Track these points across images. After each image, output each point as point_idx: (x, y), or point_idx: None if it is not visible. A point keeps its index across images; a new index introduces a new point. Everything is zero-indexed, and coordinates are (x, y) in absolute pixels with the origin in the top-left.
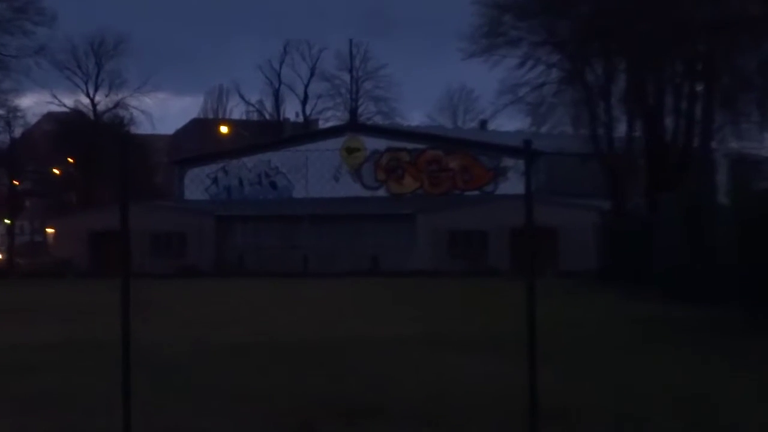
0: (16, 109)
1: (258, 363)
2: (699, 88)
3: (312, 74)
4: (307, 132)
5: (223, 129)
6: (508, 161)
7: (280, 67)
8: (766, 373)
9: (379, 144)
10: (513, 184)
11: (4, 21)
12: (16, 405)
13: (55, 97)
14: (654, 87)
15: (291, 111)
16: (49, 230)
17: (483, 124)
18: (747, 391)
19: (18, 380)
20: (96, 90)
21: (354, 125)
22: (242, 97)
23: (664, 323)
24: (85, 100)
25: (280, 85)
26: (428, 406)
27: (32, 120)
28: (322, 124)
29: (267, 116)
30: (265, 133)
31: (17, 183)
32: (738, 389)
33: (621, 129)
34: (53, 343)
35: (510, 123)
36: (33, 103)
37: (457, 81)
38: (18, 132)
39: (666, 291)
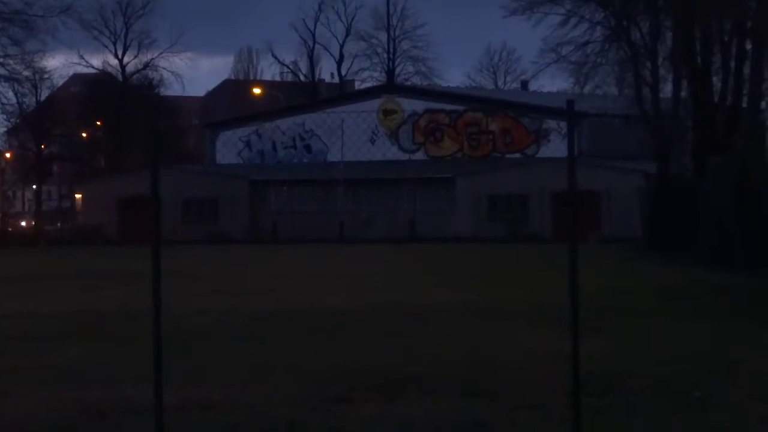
0: (42, 70)
1: (292, 332)
2: (748, 45)
3: (348, 33)
4: (342, 93)
5: (256, 90)
6: (550, 123)
7: (315, 26)
8: None
9: (417, 105)
10: (555, 147)
11: None
12: (44, 376)
13: (82, 57)
14: (701, 45)
15: (326, 72)
16: (77, 196)
17: (524, 84)
18: None
19: (46, 351)
20: (124, 50)
21: (391, 86)
22: (275, 57)
23: (714, 291)
24: (113, 61)
25: (314, 45)
26: (467, 376)
27: (59, 82)
28: (358, 86)
29: (301, 77)
30: (300, 95)
31: (44, 147)
32: None
33: (667, 89)
34: (81, 311)
35: (552, 83)
36: (60, 65)
37: (497, 40)
38: (44, 94)
39: (714, 258)
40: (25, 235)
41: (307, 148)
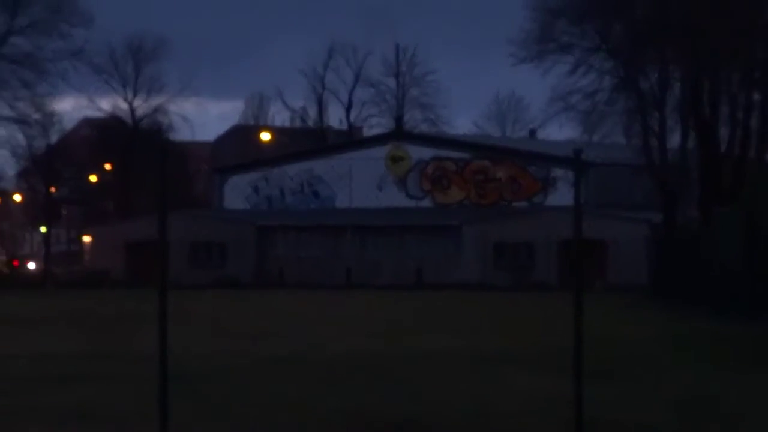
0: (52, 113)
1: (297, 375)
2: (756, 97)
3: (357, 80)
4: (351, 140)
5: (265, 136)
6: (557, 171)
7: (324, 72)
8: None
9: (425, 153)
10: (562, 195)
11: (40, 22)
12: (52, 416)
13: (92, 101)
14: (709, 96)
15: (335, 118)
16: (86, 239)
17: (532, 133)
18: None
19: (53, 391)
20: (134, 94)
21: (399, 133)
22: (285, 102)
23: (721, 341)
24: (124, 105)
25: (323, 91)
26: (467, 421)
27: (69, 125)
28: (367, 132)
29: (310, 123)
30: (308, 141)
31: (53, 190)
32: None
33: (674, 140)
34: (88, 353)
35: (560, 132)
36: (70, 108)
37: (506, 88)
38: (54, 137)
39: (721, 308)
40: (34, 278)
41: (315, 194)
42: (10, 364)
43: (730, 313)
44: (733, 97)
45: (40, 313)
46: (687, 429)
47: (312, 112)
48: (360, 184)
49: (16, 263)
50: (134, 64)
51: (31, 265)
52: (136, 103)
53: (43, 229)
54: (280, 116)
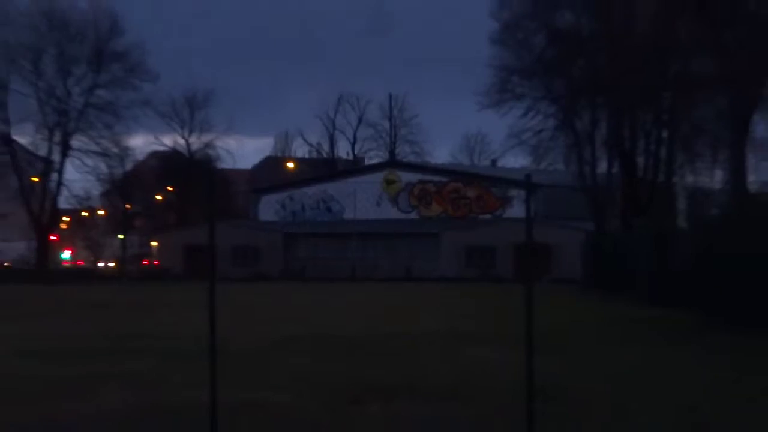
0: (127, 148)
1: (315, 352)
2: (664, 134)
3: (360, 122)
4: (355, 167)
5: (290, 165)
6: (513, 191)
7: (335, 116)
8: (712, 358)
9: (412, 177)
10: (517, 210)
11: (118, 79)
12: (122, 382)
13: (157, 138)
14: (629, 133)
15: (343, 150)
16: (153, 244)
17: (494, 162)
18: (696, 375)
19: (122, 363)
20: (190, 133)
21: (392, 162)
22: (304, 139)
23: (642, 318)
24: (181, 141)
25: (334, 131)
26: (450, 386)
27: (140, 157)
28: (368, 161)
29: (324, 155)
30: (323, 168)
31: (128, 206)
32: (687, 373)
33: (602, 166)
34: (153, 333)
35: (515, 161)
36: (141, 143)
37: (474, 127)
38: (129, 166)
39: (638, 296)
40: (113, 273)
41: (328, 209)
42: (90, 339)
43: (644, 301)
44: (647, 133)
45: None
46: (619, 390)
47: (325, 147)
48: (362, 201)
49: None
50: (189, 110)
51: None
52: (191, 140)
53: (120, 236)
54: (301, 149)
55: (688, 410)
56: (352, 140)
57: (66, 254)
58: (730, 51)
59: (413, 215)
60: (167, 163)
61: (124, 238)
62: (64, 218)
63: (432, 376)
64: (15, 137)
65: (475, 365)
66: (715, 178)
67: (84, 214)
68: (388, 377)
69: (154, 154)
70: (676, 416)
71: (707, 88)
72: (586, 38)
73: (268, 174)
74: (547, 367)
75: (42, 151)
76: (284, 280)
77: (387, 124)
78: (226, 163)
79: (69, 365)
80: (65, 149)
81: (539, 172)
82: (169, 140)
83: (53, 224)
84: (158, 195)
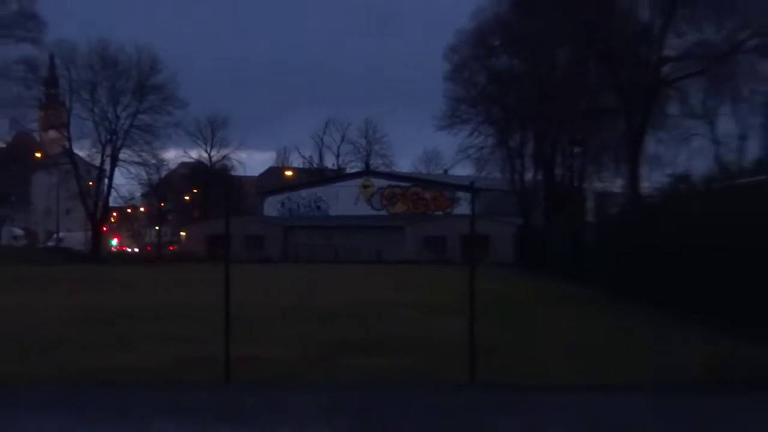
0: (162, 160)
1: (305, 318)
2: (577, 150)
3: (342, 140)
4: (338, 175)
5: (288, 173)
6: (460, 194)
7: (324, 134)
8: (613, 321)
9: (383, 183)
10: (463, 208)
11: (155, 106)
12: (158, 340)
13: (186, 152)
14: (550, 150)
15: (329, 162)
16: (182, 234)
17: (446, 171)
18: (603, 332)
19: (151, 325)
20: (211, 148)
21: (367, 171)
22: (299, 152)
23: (557, 294)
24: (204, 155)
25: (322, 146)
26: (410, 344)
27: (172, 166)
28: (348, 170)
29: (315, 165)
30: (314, 176)
31: (163, 205)
32: (597, 331)
33: (529, 175)
34: (179, 302)
35: (462, 171)
36: (173, 156)
37: (431, 143)
38: (164, 174)
39: (555, 275)
40: (152, 256)
41: (318, 207)
42: (133, 309)
43: (561, 278)
44: (564, 150)
45: (152, 274)
46: (540, 343)
47: (316, 159)
48: (344, 201)
49: (148, 248)
50: (211, 130)
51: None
52: (212, 153)
53: (157, 228)
54: (297, 161)
55: (585, 348)
56: (336, 154)
57: (114, 241)
58: (626, 88)
59: (383, 212)
60: (193, 171)
61: (159, 229)
62: (113, 214)
63: (397, 337)
64: (76, 151)
65: (430, 328)
66: (616, 184)
67: (128, 210)
68: (363, 338)
69: (183, 164)
70: (581, 357)
71: (609, 116)
72: (518, 77)
73: (271, 180)
74: (487, 330)
75: (96, 162)
76: (283, 262)
77: (364, 142)
78: (238, 172)
79: (126, 326)
80: (114, 160)
81: (481, 179)
82: (195, 153)
83: (104, 218)
84: (186, 196)
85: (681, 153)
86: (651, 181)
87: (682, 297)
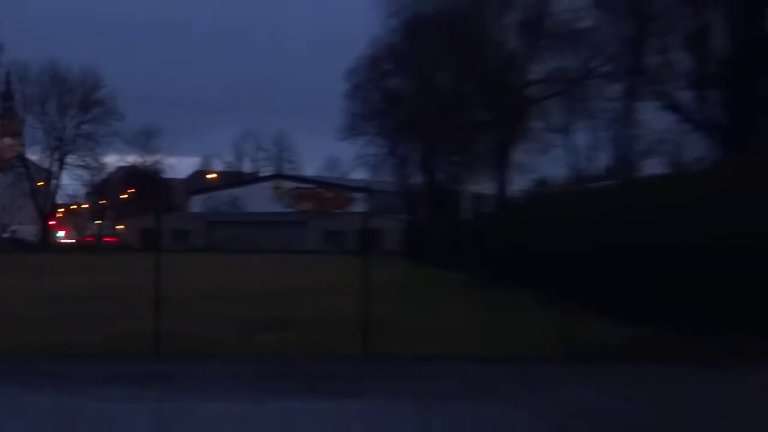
0: (102, 163)
1: (225, 299)
2: (456, 158)
3: (257, 147)
4: (254, 177)
5: (211, 176)
6: (357, 194)
7: (241, 143)
8: (484, 303)
9: (291, 185)
10: (359, 206)
11: (97, 118)
12: (95, 318)
13: (123, 157)
14: (433, 157)
15: (247, 166)
16: (119, 227)
17: (346, 175)
18: (475, 312)
19: (90, 305)
20: (145, 154)
21: (278, 175)
22: (220, 158)
23: (438, 280)
24: (139, 159)
25: (240, 153)
26: (316, 321)
27: (112, 169)
28: (262, 174)
29: (234, 169)
30: (232, 178)
31: (103, 202)
32: (469, 311)
33: (416, 179)
34: (116, 285)
35: (359, 175)
36: (112, 160)
37: (333, 151)
38: (104, 176)
39: (437, 263)
40: (91, 245)
41: (236, 205)
42: (75, 290)
43: (441, 266)
44: (445, 157)
45: (94, 263)
46: (424, 319)
47: (235, 163)
48: (259, 200)
49: (90, 239)
50: (145, 138)
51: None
52: (146, 158)
53: (97, 222)
54: (219, 165)
55: (460, 325)
56: (252, 159)
57: (61, 233)
58: (497, 106)
59: (292, 210)
60: (129, 174)
61: (100, 224)
62: (60, 210)
63: (304, 315)
64: (28, 156)
65: (332, 307)
66: (488, 187)
67: (73, 207)
68: (275, 316)
69: (121, 168)
70: (457, 332)
71: (483, 129)
72: (406, 96)
73: (197, 181)
74: (379, 309)
75: (46, 165)
76: (207, 252)
77: (276, 149)
78: (168, 174)
79: (71, 307)
80: (61, 164)
81: (374, 182)
82: (131, 158)
83: (53, 213)
84: (123, 195)
85: (542, 161)
86: (517, 184)
87: (541, 283)
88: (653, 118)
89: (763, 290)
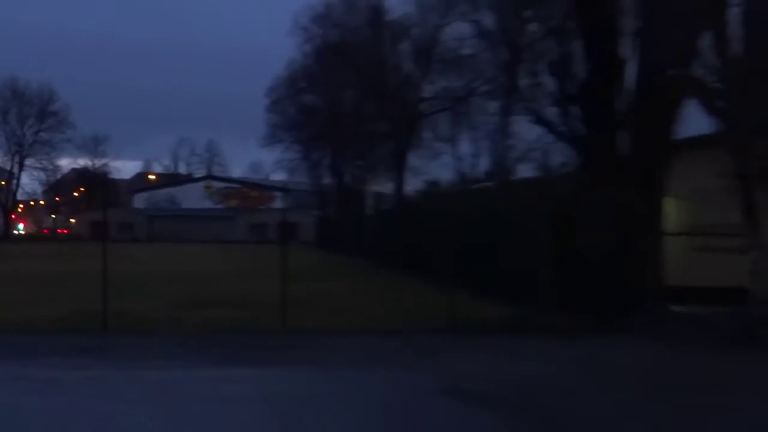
0: (57, 166)
1: (157, 281)
2: (360, 162)
3: (192, 152)
4: (188, 178)
5: (151, 177)
6: (277, 194)
7: (178, 151)
8: (384, 285)
9: (221, 185)
10: (279, 203)
11: (53, 127)
12: (49, 298)
13: (75, 161)
14: (341, 162)
15: (182, 169)
16: (72, 220)
17: (267, 176)
18: (378, 293)
19: (46, 287)
20: (96, 157)
21: (210, 176)
22: (160, 162)
23: (347, 264)
24: (90, 163)
25: (177, 157)
26: (240, 301)
27: (65, 170)
28: (196, 175)
29: (171, 171)
30: (170, 179)
31: (58, 199)
32: (373, 292)
33: (327, 180)
34: (68, 270)
35: (279, 177)
36: (66, 163)
37: (256, 157)
38: (59, 176)
39: (345, 252)
40: (47, 236)
41: (173, 202)
42: (32, 274)
43: (350, 255)
44: (352, 161)
45: (49, 251)
46: (338, 300)
47: (172, 167)
48: (193, 198)
49: (46, 231)
50: (94, 144)
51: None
52: (95, 161)
53: (53, 216)
54: (158, 168)
55: (365, 303)
56: (187, 163)
57: (20, 226)
58: (394, 119)
59: (221, 206)
60: (81, 175)
61: (55, 217)
62: (20, 205)
63: (231, 295)
64: None
65: (255, 289)
66: (388, 187)
67: (32, 203)
68: (206, 296)
69: (74, 170)
70: (362, 309)
71: (382, 138)
72: (318, 110)
73: (139, 182)
74: (296, 290)
75: (7, 167)
76: (148, 242)
77: (207, 154)
78: (114, 175)
79: (27, 288)
80: (21, 166)
81: (291, 182)
82: (83, 162)
83: (13, 209)
84: (75, 192)
85: (432, 166)
86: (412, 185)
87: (432, 269)
88: (525, 131)
89: (597, 279)
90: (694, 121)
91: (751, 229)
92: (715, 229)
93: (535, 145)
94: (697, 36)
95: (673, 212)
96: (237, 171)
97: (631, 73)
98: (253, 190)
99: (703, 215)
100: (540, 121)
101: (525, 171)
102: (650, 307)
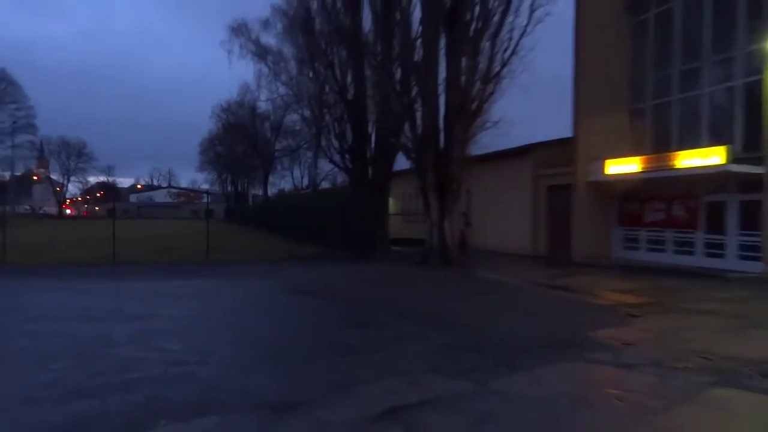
0: (87, 180)
1: (141, 238)
2: (245, 179)
3: (159, 174)
4: (158, 187)
5: (139, 186)
6: (205, 194)
7: (152, 172)
8: (257, 237)
9: (175, 190)
10: (205, 200)
11: (84, 161)
12: (80, 248)
13: (98, 177)
14: (237, 179)
15: (155, 182)
16: (96, 208)
17: (200, 185)
18: (255, 242)
19: (74, 245)
20: (108, 176)
21: (170, 186)
22: (143, 179)
23: (240, 230)
24: (105, 178)
25: (152, 176)
26: (184, 248)
27: (92, 183)
28: (162, 185)
29: (149, 183)
30: (149, 188)
31: (89, 197)
32: (254, 242)
33: (230, 187)
34: (92, 235)
35: (205, 186)
36: (93, 179)
37: (194, 175)
38: (88, 186)
39: (239, 224)
40: (83, 217)
41: (151, 199)
42: (67, 235)
43: (242, 224)
44: (242, 179)
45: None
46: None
47: (150, 181)
48: (161, 197)
49: (85, 213)
50: (108, 169)
51: None
52: (109, 178)
53: (85, 206)
54: (142, 181)
55: (246, 246)
56: (157, 179)
57: (67, 211)
58: (261, 158)
59: (176, 201)
60: (101, 185)
61: (86, 206)
62: (67, 200)
63: (181, 244)
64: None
65: (192, 242)
66: (260, 191)
67: (74, 199)
68: (168, 245)
69: (97, 182)
70: (246, 250)
71: (256, 168)
72: (224, 154)
73: (132, 189)
74: (213, 241)
75: (61, 181)
76: (137, 219)
77: (168, 175)
78: (119, 185)
79: (74, 242)
80: (68, 180)
81: (212, 189)
82: (102, 177)
83: (64, 202)
84: (98, 194)
85: (282, 181)
86: (272, 190)
87: (280, 231)
88: (326, 165)
89: (359, 236)
90: (401, 162)
91: (426, 212)
92: (412, 212)
93: (329, 173)
94: (402, 123)
95: (393, 204)
96: (184, 182)
97: (373, 139)
98: (192, 193)
99: (406, 206)
100: (332, 161)
101: (325, 184)
102: (382, 248)
